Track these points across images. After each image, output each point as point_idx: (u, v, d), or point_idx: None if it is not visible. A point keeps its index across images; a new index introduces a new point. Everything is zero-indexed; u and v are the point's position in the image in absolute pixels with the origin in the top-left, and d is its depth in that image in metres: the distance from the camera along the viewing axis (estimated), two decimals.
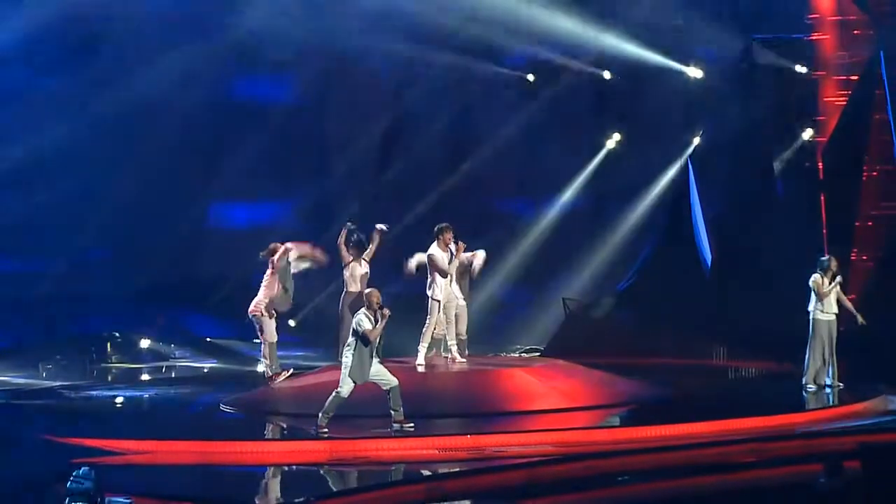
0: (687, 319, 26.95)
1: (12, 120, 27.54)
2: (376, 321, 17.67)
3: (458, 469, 16.91)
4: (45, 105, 27.80)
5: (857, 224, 27.10)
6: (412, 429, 17.99)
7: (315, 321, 28.53)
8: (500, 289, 29.85)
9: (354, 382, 17.76)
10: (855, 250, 26.94)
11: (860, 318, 21.57)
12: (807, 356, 21.58)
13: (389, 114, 30.96)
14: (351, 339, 17.79)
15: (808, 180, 27.95)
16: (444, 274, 20.35)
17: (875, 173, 27.19)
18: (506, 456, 17.49)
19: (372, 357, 17.78)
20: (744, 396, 22.89)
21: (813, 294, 21.41)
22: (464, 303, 20.92)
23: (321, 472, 17.11)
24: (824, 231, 27.24)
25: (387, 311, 17.71)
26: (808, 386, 21.58)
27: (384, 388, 18.00)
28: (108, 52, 28.30)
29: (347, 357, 17.80)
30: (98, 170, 28.14)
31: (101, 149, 28.14)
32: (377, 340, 17.74)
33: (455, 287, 20.62)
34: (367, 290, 18.13)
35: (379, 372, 17.97)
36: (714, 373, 25.65)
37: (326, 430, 17.88)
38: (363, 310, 17.82)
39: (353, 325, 17.79)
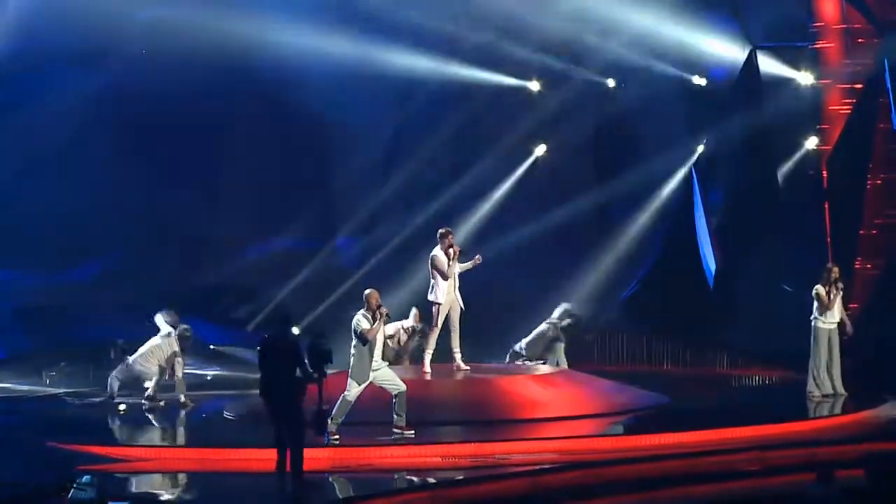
0: (690, 328, 26.95)
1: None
2: (374, 321, 17.72)
3: (462, 477, 16.89)
4: (52, 109, 27.75)
5: (861, 233, 27.05)
6: (412, 436, 18.01)
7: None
8: (505, 296, 29.77)
9: (358, 384, 17.80)
10: (859, 259, 26.90)
11: (849, 327, 21.67)
12: (810, 365, 21.59)
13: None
14: (354, 342, 17.84)
15: (812, 189, 27.91)
16: (444, 276, 20.30)
17: (879, 182, 27.15)
18: (510, 464, 17.47)
19: (372, 357, 17.79)
20: (747, 405, 22.87)
21: (815, 303, 21.43)
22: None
23: (324, 479, 17.08)
24: (828, 240, 27.21)
25: (384, 310, 17.75)
26: (812, 394, 21.57)
27: (392, 392, 18.04)
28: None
29: (351, 360, 17.88)
30: (103, 176, 28.12)
31: (106, 155, 28.12)
32: (378, 341, 17.79)
33: (457, 292, 20.55)
34: (367, 291, 18.06)
35: (387, 376, 18.03)
36: (717, 381, 25.64)
37: (338, 437, 17.91)
38: (362, 311, 17.83)
39: (353, 325, 17.83)
